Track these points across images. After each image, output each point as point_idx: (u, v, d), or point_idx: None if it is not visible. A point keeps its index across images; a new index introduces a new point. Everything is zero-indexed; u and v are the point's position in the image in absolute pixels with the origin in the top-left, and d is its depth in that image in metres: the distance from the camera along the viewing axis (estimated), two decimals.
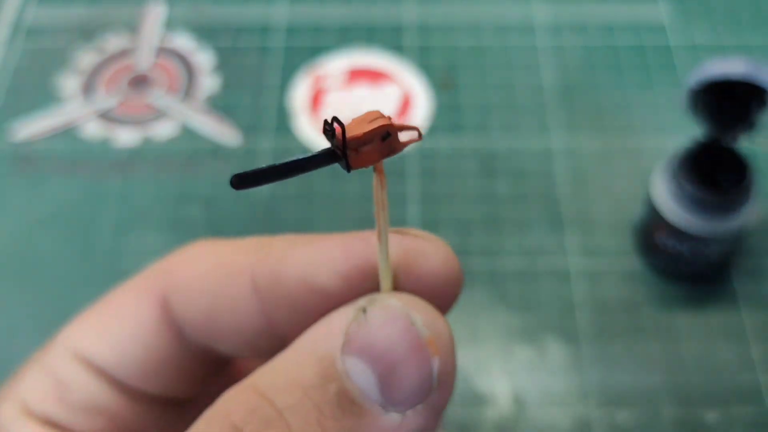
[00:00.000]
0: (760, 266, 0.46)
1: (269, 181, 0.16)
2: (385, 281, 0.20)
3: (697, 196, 0.41)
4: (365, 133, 0.17)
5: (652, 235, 0.45)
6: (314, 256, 0.21)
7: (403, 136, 0.17)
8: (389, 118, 0.17)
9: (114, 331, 0.23)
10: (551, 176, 0.51)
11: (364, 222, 0.49)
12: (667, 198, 0.43)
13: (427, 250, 0.21)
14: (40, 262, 0.48)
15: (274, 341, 0.22)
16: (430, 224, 0.48)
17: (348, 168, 0.17)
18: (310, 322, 0.20)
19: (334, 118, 0.16)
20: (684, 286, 0.46)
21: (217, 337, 0.23)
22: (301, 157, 0.17)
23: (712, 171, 0.43)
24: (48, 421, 0.22)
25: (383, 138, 0.17)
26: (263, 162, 0.52)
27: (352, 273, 0.21)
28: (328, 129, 0.16)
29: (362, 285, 0.21)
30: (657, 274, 0.46)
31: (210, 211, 0.50)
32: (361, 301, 0.20)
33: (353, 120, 0.17)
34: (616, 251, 0.47)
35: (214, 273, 0.23)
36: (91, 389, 0.22)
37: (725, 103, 0.41)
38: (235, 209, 0.50)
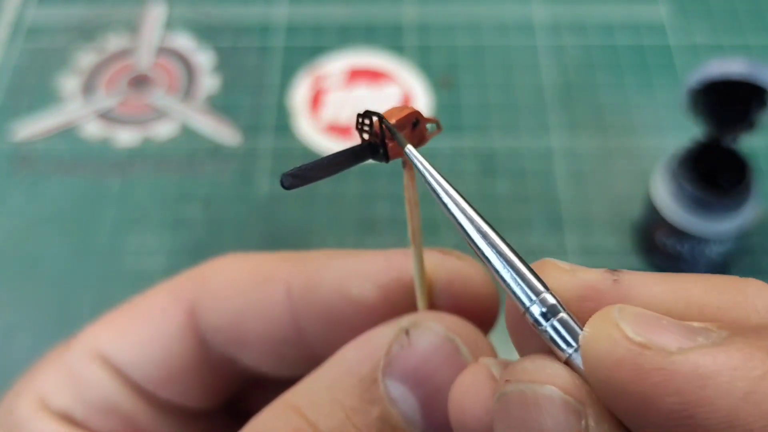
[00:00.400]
0: (760, 266, 0.46)
1: (317, 178, 0.16)
2: (421, 296, 0.19)
3: (697, 196, 0.41)
4: (400, 119, 0.17)
5: (653, 235, 0.45)
6: (353, 268, 0.21)
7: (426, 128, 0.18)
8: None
9: (137, 333, 0.23)
10: (551, 176, 0.51)
11: (364, 222, 0.49)
12: (667, 198, 0.43)
13: (469, 273, 0.20)
14: (40, 262, 0.48)
15: (302, 351, 0.22)
16: (430, 224, 0.48)
17: (386, 158, 0.17)
18: (344, 334, 0.20)
19: (369, 111, 0.16)
20: None
21: (244, 344, 0.22)
22: (341, 151, 0.17)
23: (712, 171, 0.43)
24: (64, 417, 0.21)
25: (413, 126, 0.17)
26: (264, 162, 0.52)
27: (390, 286, 0.20)
28: (364, 123, 0.16)
29: (400, 299, 0.20)
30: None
31: (209, 210, 0.50)
32: (404, 321, 0.19)
33: (383, 112, 0.17)
34: (616, 251, 0.47)
35: (246, 278, 0.22)
36: (108, 389, 0.22)
37: (725, 103, 0.41)
38: (234, 209, 0.50)
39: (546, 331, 0.15)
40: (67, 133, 0.54)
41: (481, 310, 0.20)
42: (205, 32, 0.59)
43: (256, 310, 0.22)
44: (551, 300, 0.15)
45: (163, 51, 0.58)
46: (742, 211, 0.42)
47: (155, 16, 0.60)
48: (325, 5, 0.60)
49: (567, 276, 0.16)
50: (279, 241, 0.48)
